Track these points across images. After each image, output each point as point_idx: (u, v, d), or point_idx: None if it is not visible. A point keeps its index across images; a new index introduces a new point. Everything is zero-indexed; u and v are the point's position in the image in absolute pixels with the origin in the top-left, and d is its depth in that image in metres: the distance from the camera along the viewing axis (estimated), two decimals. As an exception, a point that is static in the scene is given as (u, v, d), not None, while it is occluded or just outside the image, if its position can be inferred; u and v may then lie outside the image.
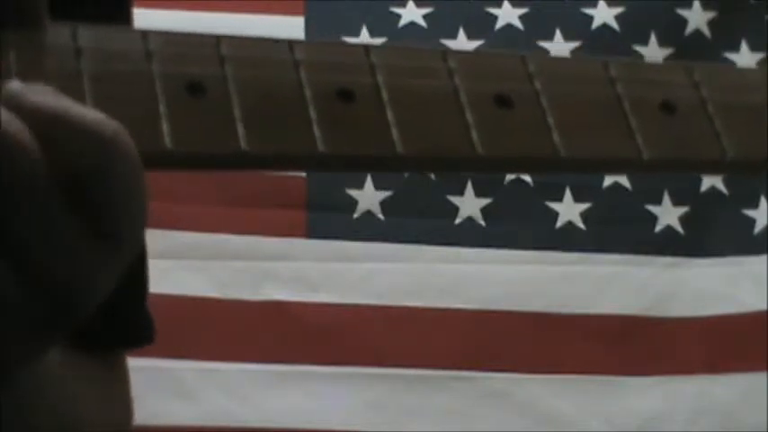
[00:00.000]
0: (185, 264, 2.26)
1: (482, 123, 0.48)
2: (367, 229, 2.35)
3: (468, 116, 0.48)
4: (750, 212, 2.44)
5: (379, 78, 0.48)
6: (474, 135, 0.47)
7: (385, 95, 0.48)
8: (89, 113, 0.45)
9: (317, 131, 0.47)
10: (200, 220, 2.30)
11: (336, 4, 2.29)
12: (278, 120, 0.48)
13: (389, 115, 0.48)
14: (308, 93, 0.48)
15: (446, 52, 0.50)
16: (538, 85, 0.49)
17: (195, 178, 2.28)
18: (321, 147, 0.47)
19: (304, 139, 0.47)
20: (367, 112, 0.48)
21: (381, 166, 0.50)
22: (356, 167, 0.49)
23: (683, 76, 0.50)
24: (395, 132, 0.47)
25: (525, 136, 0.48)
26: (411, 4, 2.41)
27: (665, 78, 0.50)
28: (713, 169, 0.50)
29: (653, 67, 0.51)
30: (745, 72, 0.52)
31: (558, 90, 0.49)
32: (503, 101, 0.49)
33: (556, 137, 0.48)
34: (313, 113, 0.48)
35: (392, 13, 2.39)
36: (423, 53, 0.51)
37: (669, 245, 2.43)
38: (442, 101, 0.49)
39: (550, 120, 0.48)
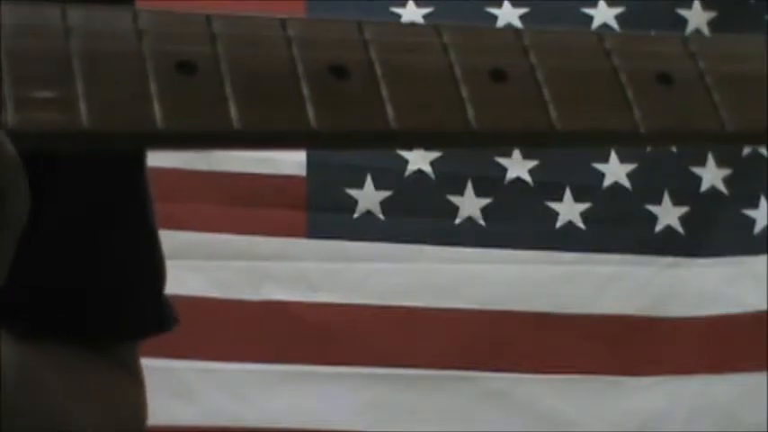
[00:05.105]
0: (185, 264, 2.25)
1: (477, 98, 0.47)
2: (367, 229, 2.35)
3: (463, 91, 0.47)
4: (750, 212, 2.44)
5: (373, 54, 0.48)
6: (469, 110, 0.47)
7: (378, 71, 0.48)
8: None
9: (310, 108, 0.47)
10: (200, 220, 2.29)
11: (336, 4, 2.28)
12: (270, 97, 0.47)
13: (383, 91, 0.47)
14: (300, 69, 0.47)
15: (440, 27, 0.50)
16: (533, 58, 0.49)
17: (195, 178, 2.28)
18: (314, 124, 0.46)
19: (297, 117, 0.47)
20: (360, 88, 0.48)
21: (375, 143, 0.49)
22: (350, 144, 0.49)
23: (679, 48, 0.50)
24: (389, 108, 0.47)
25: (521, 110, 0.48)
26: (411, 4, 2.41)
27: (662, 50, 0.50)
28: (711, 141, 0.49)
29: (649, 38, 0.51)
30: (741, 42, 0.51)
31: (554, 63, 0.49)
32: (497, 75, 0.48)
33: (552, 111, 0.47)
34: (306, 90, 0.47)
35: (392, 13, 2.39)
36: (416, 28, 0.50)
37: (669, 245, 2.43)
38: (437, 76, 0.48)
39: (546, 93, 0.48)
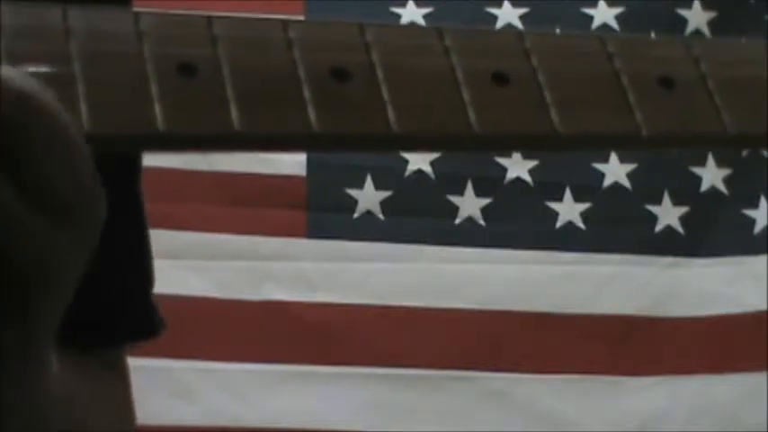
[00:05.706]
0: (185, 264, 2.25)
1: (479, 101, 0.47)
2: (367, 229, 2.35)
3: (465, 94, 0.47)
4: (750, 212, 2.44)
5: (374, 57, 0.48)
6: (471, 113, 0.47)
7: (380, 74, 0.47)
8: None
9: (311, 111, 0.46)
10: (200, 220, 2.29)
11: (336, 4, 2.28)
12: (271, 100, 0.47)
13: (385, 94, 0.47)
14: (301, 72, 0.47)
15: (442, 30, 0.50)
16: (535, 61, 0.48)
17: (196, 178, 2.28)
18: (315, 126, 0.46)
19: (298, 119, 0.47)
20: (362, 90, 0.47)
21: (376, 146, 0.49)
22: (351, 147, 0.48)
23: (681, 51, 0.50)
24: (390, 111, 0.47)
25: (523, 113, 0.48)
26: (411, 4, 2.41)
27: (664, 53, 0.50)
28: (713, 144, 0.49)
29: (651, 42, 0.50)
30: (744, 46, 0.51)
31: (556, 66, 0.49)
32: (500, 78, 0.48)
33: (554, 114, 0.47)
34: (307, 93, 0.47)
35: (392, 13, 2.39)
36: (418, 30, 0.50)
37: (669, 245, 2.43)
38: (438, 79, 0.48)
39: (548, 97, 0.48)
